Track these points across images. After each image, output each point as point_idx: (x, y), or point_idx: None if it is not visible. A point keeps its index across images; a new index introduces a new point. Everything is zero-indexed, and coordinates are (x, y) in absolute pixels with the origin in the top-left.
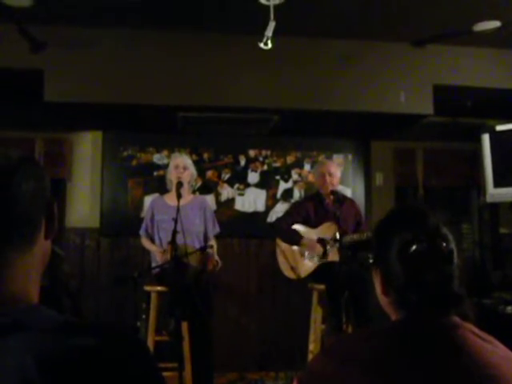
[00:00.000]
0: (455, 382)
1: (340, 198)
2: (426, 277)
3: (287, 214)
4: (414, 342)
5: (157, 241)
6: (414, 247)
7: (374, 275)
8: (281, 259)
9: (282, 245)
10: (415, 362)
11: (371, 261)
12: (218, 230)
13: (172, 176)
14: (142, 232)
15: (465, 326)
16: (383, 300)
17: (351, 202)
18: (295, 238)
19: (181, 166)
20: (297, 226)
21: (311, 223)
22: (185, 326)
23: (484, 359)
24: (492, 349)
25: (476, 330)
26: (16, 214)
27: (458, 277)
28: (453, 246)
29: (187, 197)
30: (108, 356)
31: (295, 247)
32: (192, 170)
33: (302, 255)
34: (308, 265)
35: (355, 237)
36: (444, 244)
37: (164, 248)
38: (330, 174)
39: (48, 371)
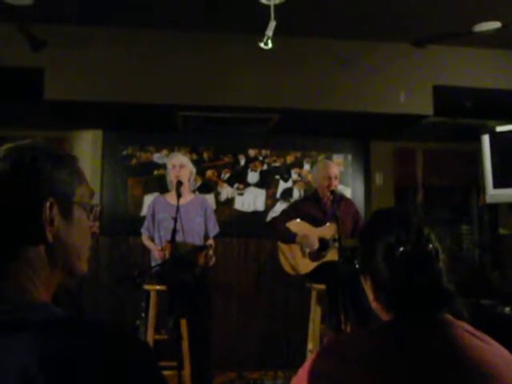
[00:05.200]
0: (450, 380)
1: (338, 198)
2: (415, 278)
3: (283, 213)
4: (408, 340)
5: (157, 239)
6: (398, 250)
7: (364, 281)
8: (281, 256)
9: (280, 243)
10: (411, 361)
11: (358, 267)
12: (217, 230)
13: (171, 176)
14: (143, 230)
15: (458, 324)
16: (375, 306)
17: (349, 202)
18: (290, 237)
19: (177, 164)
20: (296, 222)
21: (309, 222)
22: (184, 324)
23: (478, 357)
24: (486, 347)
25: (469, 328)
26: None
27: (446, 273)
28: (437, 244)
29: (188, 196)
30: (109, 356)
31: (296, 245)
32: (190, 167)
33: (304, 254)
34: (308, 262)
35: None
36: (428, 244)
37: (162, 246)
38: (336, 177)
39: (49, 370)
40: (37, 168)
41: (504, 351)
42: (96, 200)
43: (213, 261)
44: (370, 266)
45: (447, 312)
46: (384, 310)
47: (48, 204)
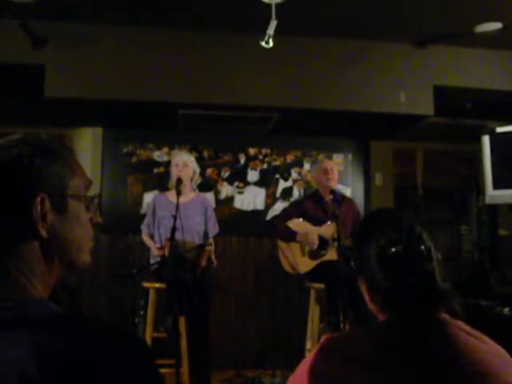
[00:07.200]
0: (446, 379)
1: (339, 198)
2: (408, 278)
3: (284, 211)
4: (404, 340)
5: (156, 237)
6: (390, 251)
7: (360, 283)
8: (281, 254)
9: (280, 242)
10: (407, 360)
11: (354, 268)
12: (217, 230)
13: (173, 174)
14: (143, 227)
15: (454, 323)
16: (372, 306)
17: (350, 201)
18: (290, 235)
19: (180, 163)
20: (296, 221)
21: (310, 222)
22: (182, 322)
23: (473, 356)
24: (482, 345)
25: (465, 327)
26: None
27: (439, 272)
28: (429, 243)
29: (189, 194)
30: (107, 354)
31: (296, 244)
32: (193, 166)
33: (303, 253)
34: (308, 261)
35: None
36: (420, 243)
37: (161, 244)
38: (332, 169)
39: (47, 368)
40: (24, 164)
41: (500, 349)
42: (95, 189)
43: (215, 264)
44: (364, 267)
45: (444, 311)
46: (380, 310)
47: (39, 200)
